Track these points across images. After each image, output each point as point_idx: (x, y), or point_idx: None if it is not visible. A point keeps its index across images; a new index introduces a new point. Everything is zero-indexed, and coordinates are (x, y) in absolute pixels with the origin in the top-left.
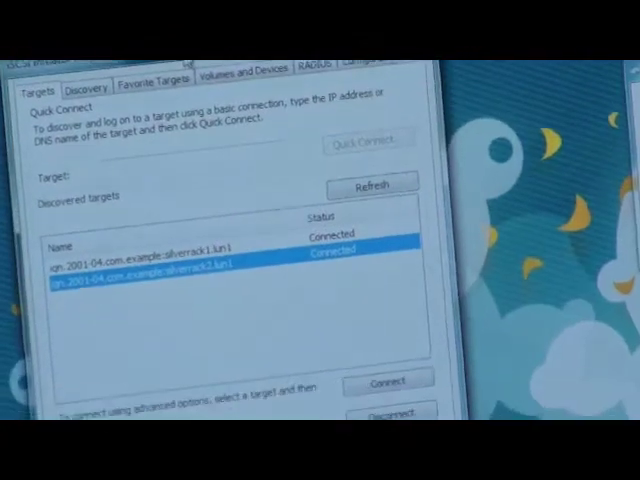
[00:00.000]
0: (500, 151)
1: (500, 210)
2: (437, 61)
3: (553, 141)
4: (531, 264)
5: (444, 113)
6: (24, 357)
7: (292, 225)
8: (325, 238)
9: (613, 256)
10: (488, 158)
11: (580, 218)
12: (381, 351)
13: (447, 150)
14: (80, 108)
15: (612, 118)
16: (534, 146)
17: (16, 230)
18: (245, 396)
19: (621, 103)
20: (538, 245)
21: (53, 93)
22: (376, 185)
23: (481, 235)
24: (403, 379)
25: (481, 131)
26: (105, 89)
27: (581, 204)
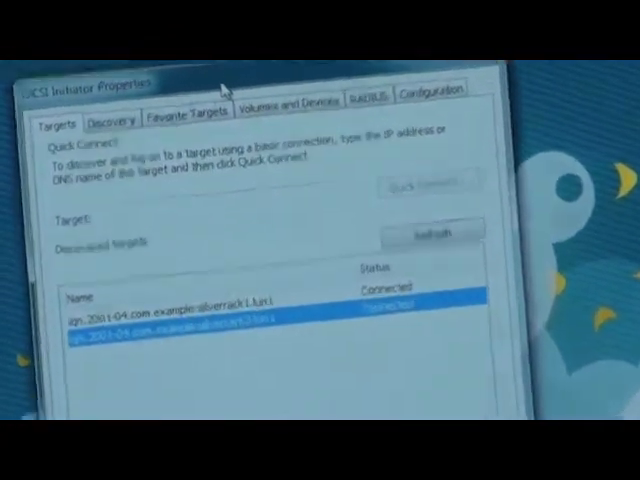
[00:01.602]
0: (569, 189)
1: (568, 255)
2: (505, 93)
3: (628, 178)
4: (603, 315)
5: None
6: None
7: (342, 277)
8: (379, 291)
9: None
10: (555, 196)
11: None
12: (442, 416)
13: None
14: (104, 143)
15: None
16: (607, 183)
17: (31, 278)
18: None
19: None
20: (611, 294)
21: (74, 126)
22: (437, 233)
23: (547, 283)
24: None
25: (547, 166)
26: (132, 122)
27: None
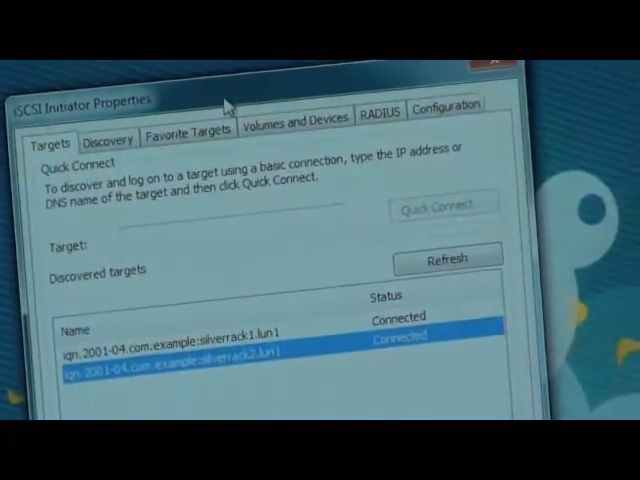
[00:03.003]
0: (592, 210)
1: (590, 282)
2: (524, 108)
3: None
4: (627, 347)
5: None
6: None
7: (352, 306)
8: (391, 322)
9: None
10: (577, 219)
11: None
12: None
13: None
14: (100, 164)
15: None
16: (631, 205)
17: (23, 310)
18: None
19: None
20: (635, 324)
21: (68, 146)
22: (452, 259)
23: (568, 312)
24: None
25: (569, 187)
26: (130, 141)
27: None
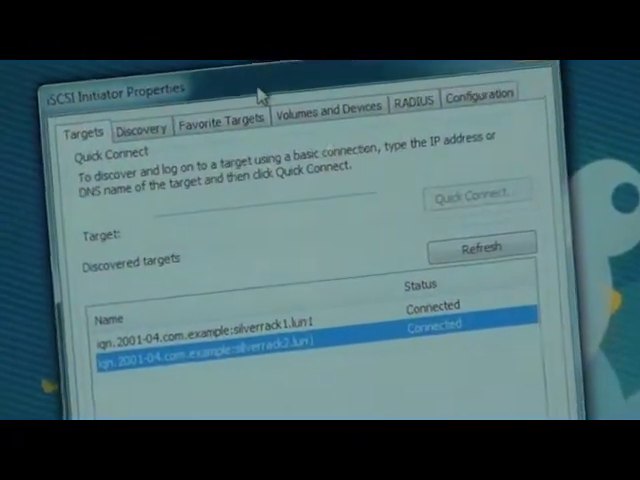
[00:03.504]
0: (625, 199)
1: (624, 270)
2: (558, 96)
3: None
4: None
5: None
6: None
7: (386, 295)
8: (425, 310)
9: None
10: (611, 207)
11: None
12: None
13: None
14: (134, 153)
15: None
16: None
17: (56, 299)
18: None
19: None
20: None
21: (102, 134)
22: (486, 247)
23: (602, 300)
24: None
25: (603, 175)
26: (164, 130)
27: None
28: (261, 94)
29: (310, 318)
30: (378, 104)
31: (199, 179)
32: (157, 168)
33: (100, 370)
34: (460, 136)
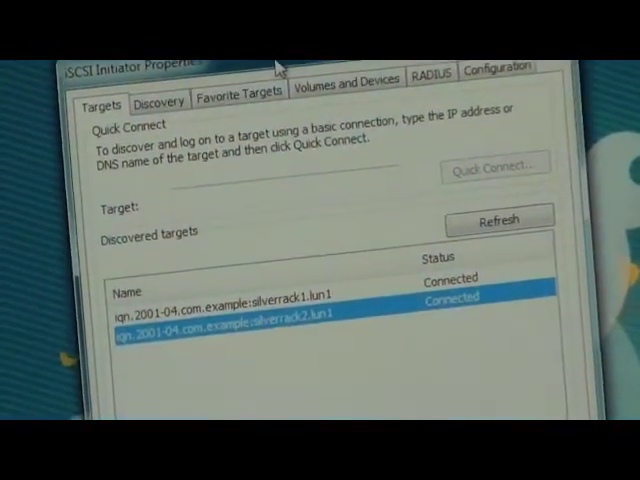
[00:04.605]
0: None
1: None
2: (576, 69)
3: None
4: None
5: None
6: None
7: (404, 268)
8: (443, 283)
9: None
10: (628, 180)
11: None
12: (509, 414)
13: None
14: (151, 126)
15: None
16: None
17: (75, 272)
18: None
19: None
20: None
21: (120, 107)
22: (504, 220)
23: (620, 273)
24: None
25: (621, 148)
26: (182, 103)
27: None
28: (279, 67)
29: (328, 291)
30: (396, 77)
31: (217, 152)
32: (175, 141)
33: (118, 343)
34: (478, 109)
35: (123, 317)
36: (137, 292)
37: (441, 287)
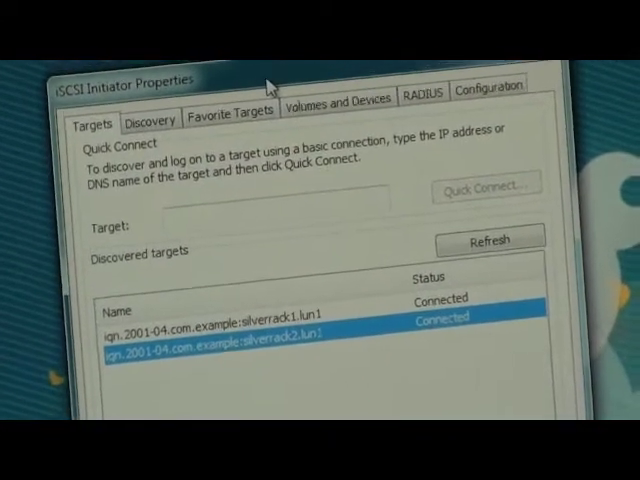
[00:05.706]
0: (634, 192)
1: (633, 263)
2: (567, 89)
3: None
4: None
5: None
6: None
7: (394, 288)
8: (433, 303)
9: None
10: (619, 201)
11: None
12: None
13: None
14: (142, 145)
15: None
16: None
17: (65, 291)
18: None
19: None
20: None
21: (111, 126)
22: (494, 240)
23: (610, 294)
24: None
25: (611, 168)
26: (172, 122)
27: None
28: (270, 86)
29: (318, 311)
30: (387, 96)
31: (207, 171)
32: (165, 160)
33: (108, 362)
34: (469, 128)
35: (113, 336)
36: (127, 311)
37: (431, 307)
